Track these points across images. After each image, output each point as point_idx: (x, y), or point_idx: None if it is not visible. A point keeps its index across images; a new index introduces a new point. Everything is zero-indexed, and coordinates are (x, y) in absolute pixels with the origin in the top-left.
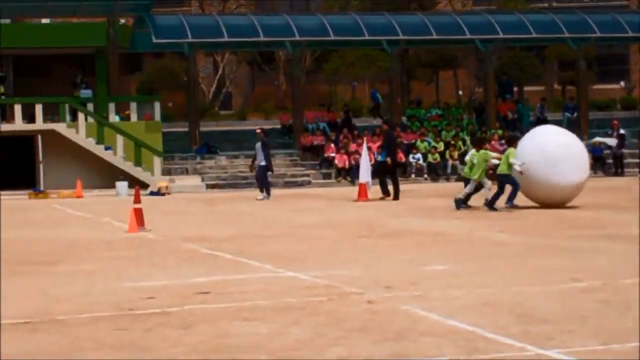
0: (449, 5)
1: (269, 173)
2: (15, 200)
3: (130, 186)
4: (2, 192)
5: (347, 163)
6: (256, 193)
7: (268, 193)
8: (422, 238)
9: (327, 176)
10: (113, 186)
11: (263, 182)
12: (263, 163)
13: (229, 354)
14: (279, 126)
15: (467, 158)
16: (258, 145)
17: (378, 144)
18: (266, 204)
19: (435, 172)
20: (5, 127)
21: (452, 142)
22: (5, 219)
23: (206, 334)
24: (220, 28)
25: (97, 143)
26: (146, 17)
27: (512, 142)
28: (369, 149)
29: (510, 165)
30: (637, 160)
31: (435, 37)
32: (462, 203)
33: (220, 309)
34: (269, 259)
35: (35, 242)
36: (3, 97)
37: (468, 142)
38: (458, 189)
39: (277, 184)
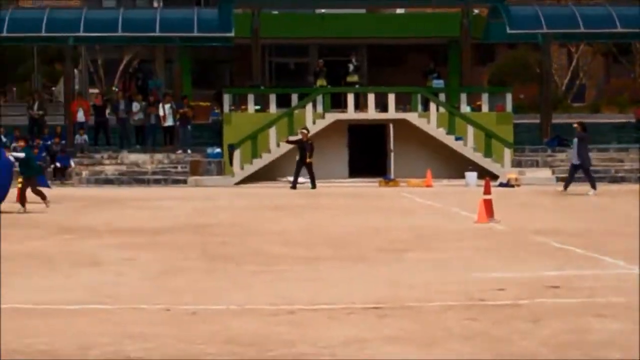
0: None
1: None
2: (366, 187)
3: (479, 177)
4: (355, 179)
5: None
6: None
7: (594, 187)
8: None
9: None
10: (462, 176)
11: (590, 177)
12: (576, 162)
13: (580, 349)
14: (633, 120)
15: None
16: (575, 140)
17: None
18: (618, 200)
19: None
20: (359, 115)
21: None
22: (355, 206)
23: (556, 328)
24: (576, 18)
25: (448, 133)
26: (501, 8)
27: None
28: None
29: None
30: None
31: None
32: None
33: (571, 304)
34: (622, 256)
35: (385, 230)
36: (357, 86)
37: None
38: None
39: (630, 179)
